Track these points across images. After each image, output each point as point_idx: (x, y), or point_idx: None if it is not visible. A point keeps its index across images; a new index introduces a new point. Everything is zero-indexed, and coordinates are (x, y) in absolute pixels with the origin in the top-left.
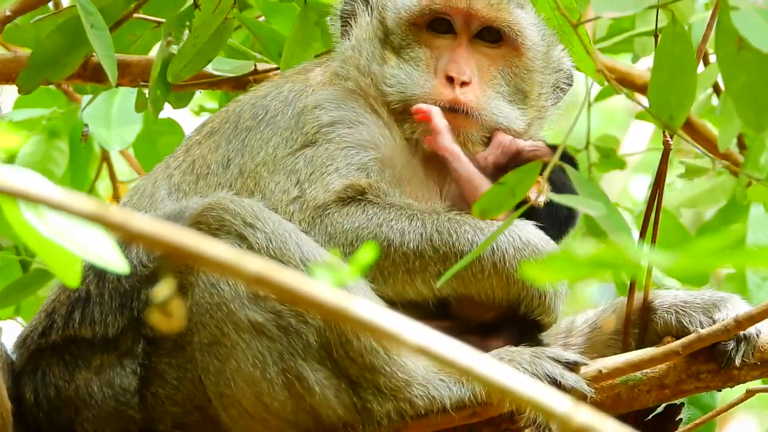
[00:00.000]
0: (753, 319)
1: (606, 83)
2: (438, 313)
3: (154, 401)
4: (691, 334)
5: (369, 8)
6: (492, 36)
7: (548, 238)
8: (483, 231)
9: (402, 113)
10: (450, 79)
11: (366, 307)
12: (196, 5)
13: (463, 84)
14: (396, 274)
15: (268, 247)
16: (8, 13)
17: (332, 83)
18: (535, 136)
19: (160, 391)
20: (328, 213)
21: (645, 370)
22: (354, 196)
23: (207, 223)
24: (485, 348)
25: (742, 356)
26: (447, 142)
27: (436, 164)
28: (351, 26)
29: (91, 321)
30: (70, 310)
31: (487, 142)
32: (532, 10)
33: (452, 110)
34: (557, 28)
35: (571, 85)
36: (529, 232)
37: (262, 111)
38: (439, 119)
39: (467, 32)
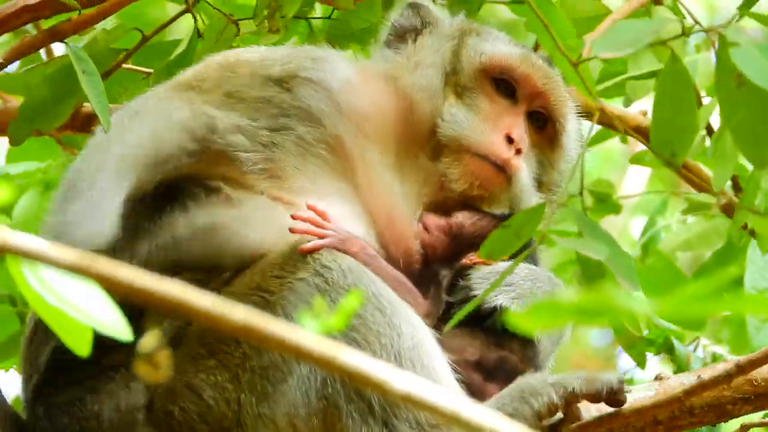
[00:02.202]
0: (754, 363)
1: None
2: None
3: (182, 417)
4: (694, 379)
5: (433, 33)
6: (539, 122)
7: None
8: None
9: (444, 146)
10: (509, 140)
11: (352, 355)
12: (199, 34)
13: (518, 151)
14: None
15: (344, 283)
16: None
17: (360, 74)
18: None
19: (192, 407)
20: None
21: None
22: None
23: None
24: (484, 391)
25: None
26: (356, 248)
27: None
28: (406, 42)
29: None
30: None
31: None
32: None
33: (500, 169)
34: (558, 66)
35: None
36: None
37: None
38: (327, 240)
39: (526, 106)
